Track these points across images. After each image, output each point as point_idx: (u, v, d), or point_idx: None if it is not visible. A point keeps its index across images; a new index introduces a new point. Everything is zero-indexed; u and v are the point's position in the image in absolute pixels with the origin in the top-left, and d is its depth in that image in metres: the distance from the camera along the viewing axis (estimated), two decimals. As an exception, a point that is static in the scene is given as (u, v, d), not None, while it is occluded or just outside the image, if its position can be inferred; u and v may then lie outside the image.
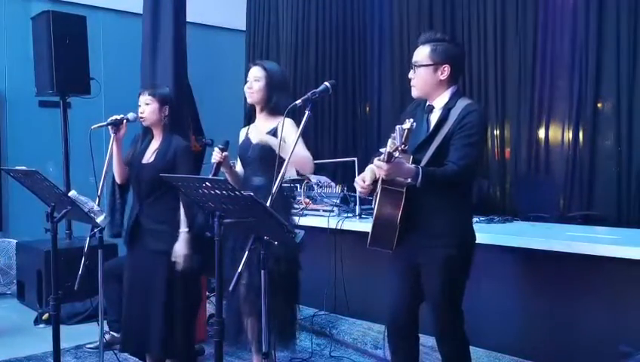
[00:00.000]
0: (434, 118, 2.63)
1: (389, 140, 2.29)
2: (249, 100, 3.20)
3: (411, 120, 2.25)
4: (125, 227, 3.47)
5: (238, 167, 3.29)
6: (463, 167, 2.49)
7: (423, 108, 2.71)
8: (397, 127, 2.22)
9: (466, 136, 2.51)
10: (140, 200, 3.32)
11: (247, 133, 3.28)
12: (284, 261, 3.03)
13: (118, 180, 3.43)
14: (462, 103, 2.59)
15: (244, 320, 3.17)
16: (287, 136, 2.94)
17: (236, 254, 2.94)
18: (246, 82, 3.21)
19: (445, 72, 2.62)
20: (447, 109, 2.59)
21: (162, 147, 3.32)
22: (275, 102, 3.13)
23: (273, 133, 3.09)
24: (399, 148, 2.23)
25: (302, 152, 2.99)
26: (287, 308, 3.17)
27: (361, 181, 2.61)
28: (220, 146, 3.06)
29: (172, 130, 3.36)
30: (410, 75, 2.69)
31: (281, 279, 3.00)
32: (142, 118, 3.33)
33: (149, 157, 3.33)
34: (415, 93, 2.70)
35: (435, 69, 2.62)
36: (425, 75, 2.63)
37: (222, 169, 3.08)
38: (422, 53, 2.65)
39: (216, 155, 3.04)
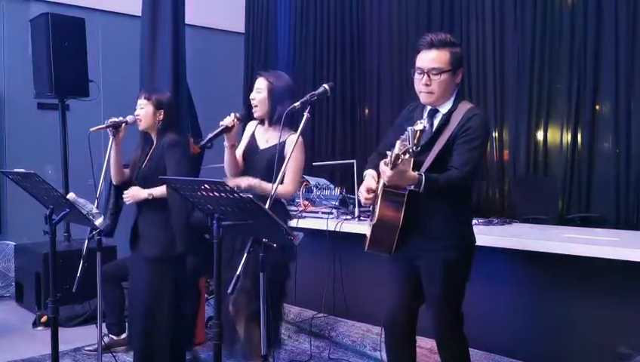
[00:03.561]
0: (437, 121, 2.60)
1: (398, 142, 2.25)
2: (255, 115, 3.17)
3: (423, 121, 2.21)
4: (115, 227, 3.51)
5: (239, 151, 3.22)
6: (466, 172, 2.48)
7: (420, 111, 2.68)
8: (408, 128, 2.15)
9: (469, 141, 2.49)
10: (139, 206, 3.34)
11: (253, 132, 3.25)
12: (274, 268, 3.01)
13: (114, 181, 3.45)
14: (463, 107, 2.57)
15: (236, 325, 3.15)
16: (288, 154, 2.93)
17: (233, 256, 2.93)
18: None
19: (459, 76, 2.59)
20: (448, 113, 2.57)
21: (154, 150, 3.33)
22: (279, 115, 3.09)
23: (281, 150, 3.03)
24: (410, 150, 2.16)
25: (287, 185, 3.03)
26: (271, 313, 3.14)
27: (366, 192, 2.57)
28: (237, 115, 3.03)
29: (166, 132, 3.35)
30: (425, 81, 2.54)
31: (269, 285, 2.99)
32: (138, 121, 3.33)
33: (145, 162, 3.35)
34: (430, 99, 2.58)
35: (453, 74, 2.56)
36: (447, 81, 2.54)
37: (226, 142, 3.05)
38: (442, 59, 2.53)
39: (228, 119, 3.00)
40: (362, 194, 2.60)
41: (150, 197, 3.23)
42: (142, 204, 3.30)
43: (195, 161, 4.32)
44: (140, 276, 3.33)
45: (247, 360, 3.22)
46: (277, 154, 2.88)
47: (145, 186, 3.26)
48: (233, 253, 2.97)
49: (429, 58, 2.54)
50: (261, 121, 3.24)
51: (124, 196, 3.33)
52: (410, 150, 2.16)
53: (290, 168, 2.95)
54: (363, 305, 4.22)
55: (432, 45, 2.54)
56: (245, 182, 3.01)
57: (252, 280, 2.77)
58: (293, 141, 2.86)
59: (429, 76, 2.54)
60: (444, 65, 2.53)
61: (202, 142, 2.99)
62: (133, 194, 3.28)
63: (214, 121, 3.11)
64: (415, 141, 2.14)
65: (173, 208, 3.22)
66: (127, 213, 3.63)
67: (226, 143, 3.08)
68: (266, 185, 2.95)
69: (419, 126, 2.15)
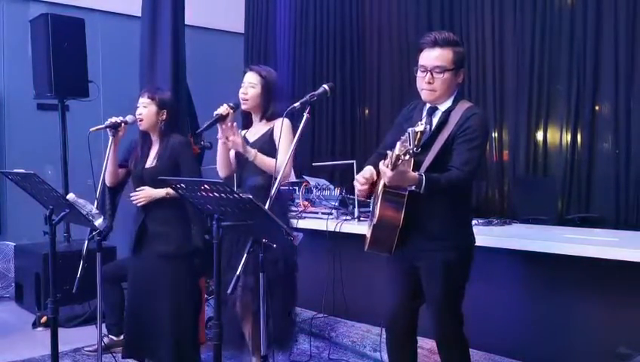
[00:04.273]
0: (436, 120, 2.60)
1: (398, 143, 2.25)
2: (243, 107, 3.17)
3: (423, 122, 2.21)
4: (111, 229, 3.47)
5: (232, 152, 3.22)
6: (467, 172, 2.48)
7: (420, 110, 2.69)
8: (409, 129, 2.15)
9: (469, 141, 2.49)
10: (145, 206, 3.30)
11: (244, 136, 3.27)
12: (281, 263, 3.03)
13: (108, 182, 3.40)
14: (462, 106, 2.57)
15: (242, 324, 3.17)
16: (280, 139, 2.95)
17: (232, 256, 2.93)
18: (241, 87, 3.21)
19: (461, 75, 2.60)
20: (447, 112, 2.57)
21: (161, 150, 3.32)
22: (273, 111, 3.12)
23: (269, 134, 3.09)
24: (410, 152, 2.15)
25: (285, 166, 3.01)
26: (285, 311, 3.16)
27: (362, 178, 2.57)
28: (231, 104, 3.05)
29: (169, 133, 3.36)
30: (428, 79, 2.54)
31: (278, 281, 3.00)
32: (139, 120, 3.32)
33: (151, 161, 3.33)
34: (432, 97, 2.58)
35: (455, 73, 2.57)
36: (449, 80, 2.55)
37: (220, 134, 3.05)
38: (446, 57, 2.53)
39: (222, 108, 3.01)
40: (358, 180, 2.58)
41: (168, 196, 3.22)
42: (149, 204, 3.28)
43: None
44: (157, 276, 3.28)
45: (252, 355, 3.23)
46: (278, 142, 2.93)
47: (154, 187, 3.24)
48: (232, 254, 2.97)
49: (432, 56, 2.54)
50: (247, 125, 3.26)
51: (133, 196, 3.29)
52: (411, 151, 2.16)
53: (282, 147, 2.96)
54: (363, 306, 4.22)
55: (435, 44, 2.54)
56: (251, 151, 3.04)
57: (256, 278, 2.77)
58: (279, 124, 2.89)
59: (432, 74, 2.54)
60: (447, 63, 2.53)
61: (198, 131, 3.02)
62: (148, 194, 3.26)
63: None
64: (416, 142, 2.14)
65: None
66: (123, 213, 3.61)
67: (219, 136, 3.08)
68: (263, 156, 3.01)
69: (419, 127, 2.15)
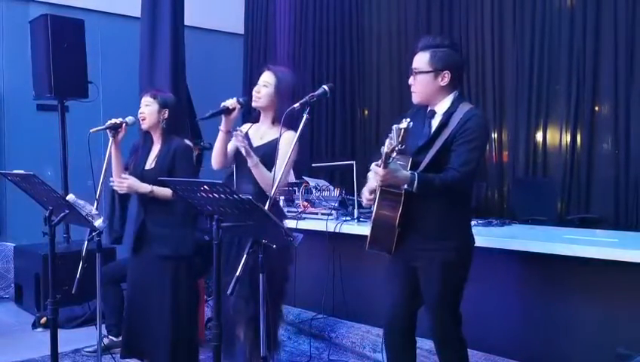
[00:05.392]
0: (435, 122, 2.62)
1: (387, 140, 2.28)
2: (253, 104, 3.15)
3: (408, 119, 2.24)
4: (124, 233, 3.44)
5: (231, 147, 3.19)
6: (464, 173, 2.49)
7: (423, 112, 2.70)
8: (394, 126, 2.21)
9: (468, 142, 2.50)
10: (145, 206, 3.31)
11: (246, 132, 3.23)
12: (273, 271, 3.01)
13: None
14: (463, 108, 2.58)
15: (236, 328, 3.15)
16: (281, 148, 2.91)
17: (230, 259, 2.92)
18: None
19: (446, 78, 2.61)
20: (448, 114, 2.59)
21: (162, 151, 3.31)
22: (281, 111, 3.09)
23: (274, 144, 3.04)
24: (396, 149, 2.21)
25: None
26: (271, 317, 3.14)
27: (368, 193, 2.60)
28: (240, 100, 3.03)
29: (171, 134, 3.36)
30: (410, 81, 2.67)
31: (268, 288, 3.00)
32: (142, 118, 3.32)
33: (150, 162, 3.32)
34: (416, 99, 2.68)
35: (435, 75, 2.60)
36: (425, 81, 2.61)
37: (222, 125, 3.04)
38: (421, 60, 2.62)
39: (230, 101, 3.00)
40: (365, 195, 2.61)
41: (150, 194, 3.21)
42: (148, 205, 3.28)
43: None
44: (155, 277, 3.28)
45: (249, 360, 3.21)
46: (277, 152, 2.87)
47: None
48: (229, 256, 2.96)
49: (414, 59, 2.67)
50: (255, 120, 3.24)
51: (116, 182, 3.26)
52: (396, 148, 2.21)
53: (280, 162, 2.93)
54: (363, 307, 4.22)
55: (417, 47, 2.67)
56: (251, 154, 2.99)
57: (248, 284, 2.76)
58: (287, 137, 2.86)
59: (414, 77, 2.65)
60: (421, 65, 2.62)
61: (199, 118, 3.00)
62: (131, 184, 3.23)
63: (213, 122, 3.11)
64: (399, 139, 2.20)
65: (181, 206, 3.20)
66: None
67: (221, 127, 3.06)
68: (262, 168, 2.97)
69: (403, 124, 2.21)
